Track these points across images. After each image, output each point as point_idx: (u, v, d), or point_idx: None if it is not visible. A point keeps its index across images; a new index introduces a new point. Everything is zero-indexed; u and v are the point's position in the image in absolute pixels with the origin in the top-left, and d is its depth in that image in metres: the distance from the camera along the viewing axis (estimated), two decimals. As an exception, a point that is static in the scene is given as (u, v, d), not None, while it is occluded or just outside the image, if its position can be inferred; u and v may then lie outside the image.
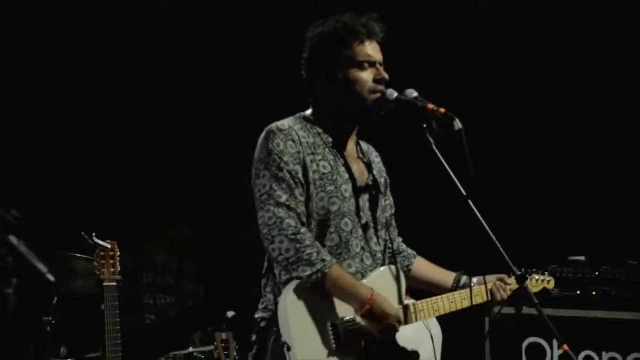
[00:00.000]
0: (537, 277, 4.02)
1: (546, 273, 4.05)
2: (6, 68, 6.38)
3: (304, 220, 3.40)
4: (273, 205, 3.36)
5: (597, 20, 6.22)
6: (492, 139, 6.14)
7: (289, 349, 3.26)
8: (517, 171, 6.36)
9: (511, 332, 5.29)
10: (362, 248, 3.54)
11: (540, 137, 6.38)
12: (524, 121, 6.42)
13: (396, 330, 3.41)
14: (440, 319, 3.67)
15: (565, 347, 3.23)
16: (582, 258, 5.37)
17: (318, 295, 3.35)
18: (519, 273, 3.36)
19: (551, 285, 4.06)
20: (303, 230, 3.34)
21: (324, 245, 3.43)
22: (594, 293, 5.26)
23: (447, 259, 3.93)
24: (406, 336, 3.49)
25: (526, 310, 4.66)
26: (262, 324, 3.47)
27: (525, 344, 5.34)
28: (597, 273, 5.28)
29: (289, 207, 3.36)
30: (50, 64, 6.58)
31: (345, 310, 3.39)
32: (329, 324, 3.35)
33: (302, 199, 3.41)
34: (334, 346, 3.33)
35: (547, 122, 6.37)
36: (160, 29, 6.84)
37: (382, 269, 3.57)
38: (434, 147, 3.38)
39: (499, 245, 3.26)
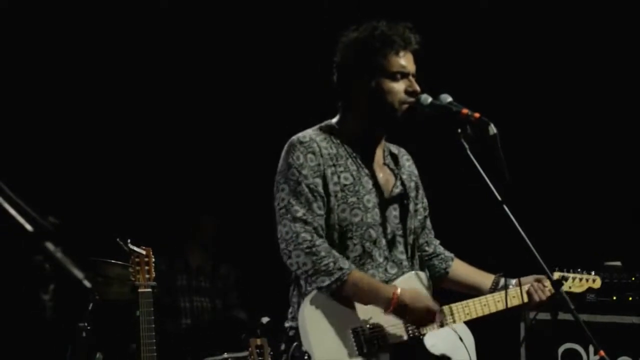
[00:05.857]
0: (580, 277, 3.94)
1: (592, 272, 3.96)
2: (30, 76, 6.39)
3: (321, 233, 3.42)
4: (290, 220, 3.39)
5: (606, 18, 6.18)
6: (525, 143, 6.11)
7: (309, 357, 3.29)
8: (551, 176, 6.31)
9: (547, 338, 5.25)
10: (386, 258, 3.53)
11: (573, 140, 6.34)
12: (553, 123, 6.37)
13: (433, 313, 3.39)
14: (475, 325, 3.64)
15: (602, 353, 3.20)
16: (618, 263, 5.32)
17: (336, 303, 3.37)
18: (555, 278, 3.34)
19: (597, 284, 3.96)
20: (318, 242, 3.36)
21: (347, 257, 3.43)
22: (630, 299, 5.21)
23: (482, 264, 3.91)
24: (435, 345, 3.48)
25: (562, 315, 4.63)
26: (290, 333, 3.50)
27: (561, 350, 5.30)
28: (633, 278, 5.22)
29: (305, 222, 3.39)
30: (71, 70, 6.56)
31: (365, 316, 3.40)
32: (350, 330, 3.36)
33: (321, 212, 3.43)
34: (356, 352, 3.34)
35: (578, 125, 6.32)
36: (160, 28, 6.78)
37: (406, 275, 3.55)
38: (469, 152, 3.37)
39: (534, 251, 3.24)
